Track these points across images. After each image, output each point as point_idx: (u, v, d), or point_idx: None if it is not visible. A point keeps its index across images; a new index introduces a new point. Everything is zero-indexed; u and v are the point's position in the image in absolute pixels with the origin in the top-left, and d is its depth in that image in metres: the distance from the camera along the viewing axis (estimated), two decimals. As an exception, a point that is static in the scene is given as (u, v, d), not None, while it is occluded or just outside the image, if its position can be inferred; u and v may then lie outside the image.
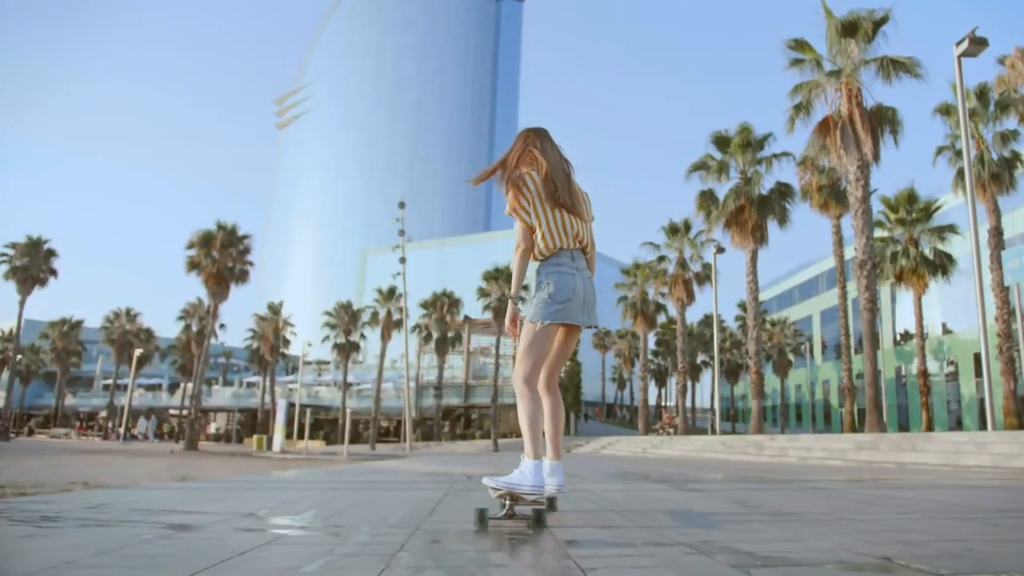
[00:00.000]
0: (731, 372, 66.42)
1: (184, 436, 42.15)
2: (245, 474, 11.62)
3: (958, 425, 40.03)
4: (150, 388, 76.21)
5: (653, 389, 71.92)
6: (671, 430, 32.59)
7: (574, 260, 3.04)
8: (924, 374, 28.15)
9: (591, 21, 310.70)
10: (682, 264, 33.39)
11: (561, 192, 3.04)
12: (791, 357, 59.20)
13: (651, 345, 59.50)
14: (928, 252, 28.59)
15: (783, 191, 25.55)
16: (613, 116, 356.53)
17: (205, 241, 36.63)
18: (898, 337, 48.44)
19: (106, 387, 66.95)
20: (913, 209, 28.65)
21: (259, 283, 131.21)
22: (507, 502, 2.91)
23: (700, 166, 26.46)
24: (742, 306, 61.52)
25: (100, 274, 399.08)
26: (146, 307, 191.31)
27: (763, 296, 68.46)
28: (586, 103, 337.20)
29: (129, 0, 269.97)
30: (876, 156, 17.61)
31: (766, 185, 25.63)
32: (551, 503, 3.28)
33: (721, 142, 26.21)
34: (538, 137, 3.18)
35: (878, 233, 30.47)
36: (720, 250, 25.50)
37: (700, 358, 67.93)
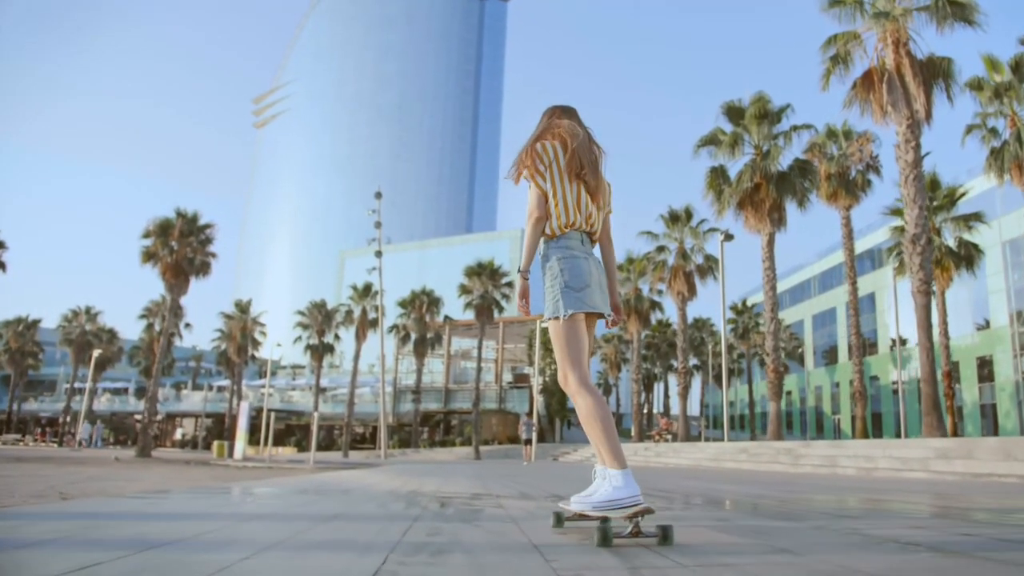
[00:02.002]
0: (721, 377, 63.96)
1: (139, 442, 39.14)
2: (162, 486, 8.79)
3: (959, 434, 38.02)
4: (116, 392, 72.97)
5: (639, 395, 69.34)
6: (668, 436, 29.96)
7: (583, 244, 2.81)
8: (949, 376, 25.71)
9: (577, 20, 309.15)
10: (683, 255, 30.60)
11: (588, 171, 2.82)
12: (786, 362, 56.92)
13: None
14: (952, 242, 26.19)
15: (804, 168, 22.76)
16: (601, 118, 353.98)
17: (162, 230, 33.59)
18: (890, 342, 46.81)
19: (81, 392, 63.71)
20: (936, 195, 26.24)
21: (235, 285, 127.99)
22: (634, 520, 2.50)
23: (709, 140, 23.59)
24: (735, 308, 59.29)
25: (66, 277, 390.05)
26: (114, 309, 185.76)
27: (752, 299, 66.65)
28: (573, 99, 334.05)
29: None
30: (928, 113, 15.05)
31: (784, 162, 22.92)
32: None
33: (733, 113, 23.34)
34: (564, 114, 2.97)
35: (893, 222, 28.14)
36: (728, 237, 22.82)
37: (690, 362, 65.47)
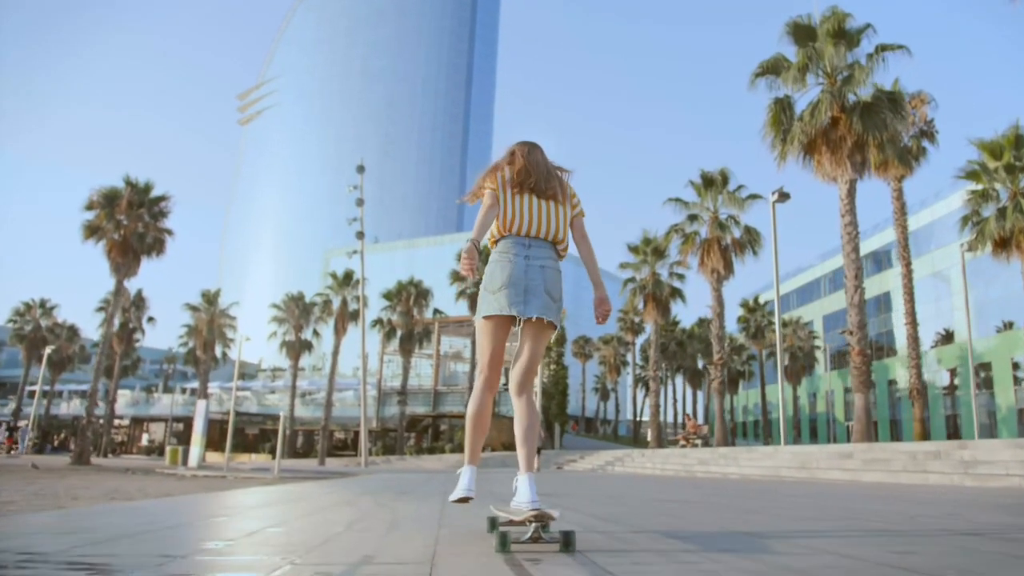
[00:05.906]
0: (730, 381, 59.62)
1: (100, 447, 34.26)
2: None
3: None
4: (83, 396, 68.22)
5: (641, 398, 64.86)
6: (698, 441, 25.54)
7: (530, 247, 2.80)
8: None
9: (571, 17, 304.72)
10: (719, 225, 25.93)
11: (536, 178, 2.85)
12: (803, 363, 52.70)
13: (643, 349, 52.83)
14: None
15: (893, 100, 18.15)
16: (595, 119, 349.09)
17: (108, 201, 29.01)
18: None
19: (42, 394, 58.91)
20: (1021, 154, 22.02)
21: (217, 285, 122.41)
22: (532, 523, 2.47)
23: (770, 68, 18.91)
24: (746, 306, 55.07)
25: (44, 284, 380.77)
26: (84, 311, 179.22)
27: (765, 296, 62.41)
28: (565, 103, 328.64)
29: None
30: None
31: (864, 93, 18.29)
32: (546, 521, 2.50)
33: (801, 33, 18.51)
34: (525, 146, 3.00)
35: (971, 186, 23.94)
36: (783, 196, 18.44)
37: (700, 363, 61.15)
